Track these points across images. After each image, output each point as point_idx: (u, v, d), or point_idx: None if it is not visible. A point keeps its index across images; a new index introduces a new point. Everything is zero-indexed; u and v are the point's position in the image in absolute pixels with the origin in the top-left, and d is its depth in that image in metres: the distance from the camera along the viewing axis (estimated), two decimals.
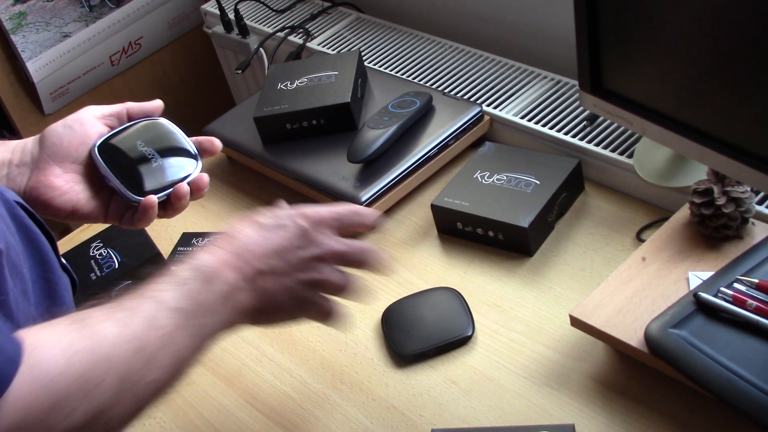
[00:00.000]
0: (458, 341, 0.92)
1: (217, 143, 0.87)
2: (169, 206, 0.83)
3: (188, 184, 0.83)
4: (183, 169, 0.84)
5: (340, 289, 0.76)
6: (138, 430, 0.92)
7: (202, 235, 1.17)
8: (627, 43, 0.81)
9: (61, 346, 0.58)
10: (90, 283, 1.04)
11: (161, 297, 0.65)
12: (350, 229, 0.78)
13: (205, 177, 0.85)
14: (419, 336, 0.93)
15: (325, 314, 0.77)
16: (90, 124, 0.83)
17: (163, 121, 0.87)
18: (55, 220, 0.82)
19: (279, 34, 1.50)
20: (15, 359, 0.55)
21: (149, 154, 0.83)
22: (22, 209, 0.70)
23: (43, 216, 0.81)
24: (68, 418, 0.57)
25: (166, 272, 0.68)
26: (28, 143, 0.83)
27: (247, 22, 1.55)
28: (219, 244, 0.71)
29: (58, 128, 0.82)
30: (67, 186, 0.81)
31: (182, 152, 0.85)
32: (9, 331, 0.57)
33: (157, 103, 0.87)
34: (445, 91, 1.24)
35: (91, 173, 0.83)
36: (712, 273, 0.85)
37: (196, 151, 0.85)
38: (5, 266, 0.63)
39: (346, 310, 0.78)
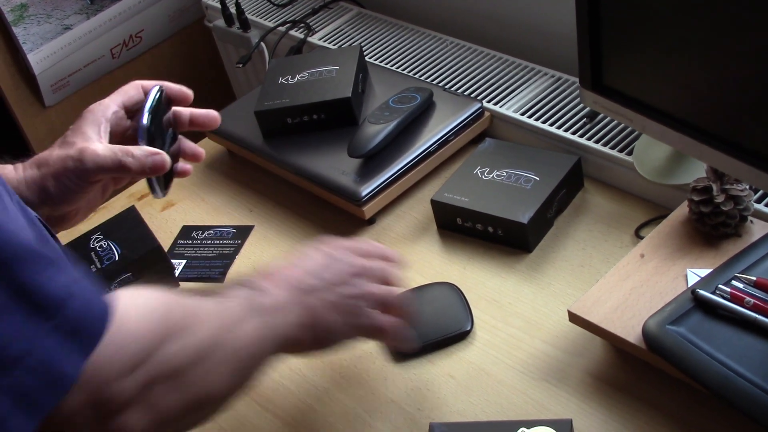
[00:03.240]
0: (457, 336, 0.93)
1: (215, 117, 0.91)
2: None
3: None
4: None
5: (383, 300, 0.81)
6: None
7: (202, 228, 1.17)
8: (628, 41, 0.81)
9: (158, 297, 0.63)
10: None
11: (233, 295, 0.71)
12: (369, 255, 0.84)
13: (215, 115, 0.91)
14: (418, 331, 0.93)
15: (378, 327, 0.81)
16: (91, 157, 0.80)
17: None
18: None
19: (280, 28, 1.50)
20: (105, 314, 0.57)
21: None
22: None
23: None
24: (168, 355, 0.60)
25: (224, 288, 0.74)
26: (23, 192, 0.80)
27: (249, 16, 1.55)
28: (258, 279, 0.76)
29: (61, 180, 0.80)
30: (80, 204, 0.84)
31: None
32: (95, 289, 0.58)
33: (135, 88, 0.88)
34: (446, 87, 1.24)
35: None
36: (710, 270, 0.85)
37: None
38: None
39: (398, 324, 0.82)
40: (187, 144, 0.92)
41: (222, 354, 0.65)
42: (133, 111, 0.86)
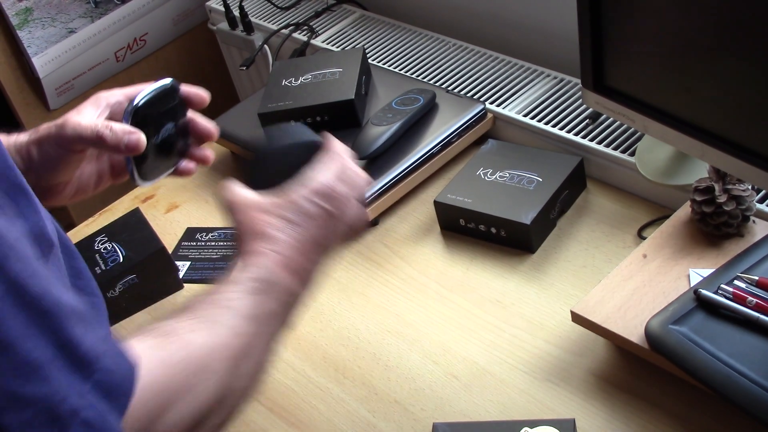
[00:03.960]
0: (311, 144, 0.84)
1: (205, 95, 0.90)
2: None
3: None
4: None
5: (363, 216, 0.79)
6: None
7: (206, 230, 1.18)
8: (629, 41, 0.81)
9: (159, 359, 0.58)
10: (95, 277, 1.04)
11: (235, 305, 0.65)
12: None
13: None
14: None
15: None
16: (72, 125, 0.80)
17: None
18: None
19: (283, 31, 1.51)
20: (132, 374, 0.55)
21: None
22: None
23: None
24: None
25: (230, 278, 0.67)
26: (13, 156, 0.81)
27: (252, 19, 1.56)
28: (267, 247, 0.69)
29: (43, 146, 0.81)
30: (65, 177, 0.84)
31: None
32: (121, 347, 0.56)
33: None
34: (449, 88, 1.24)
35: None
36: (712, 270, 0.85)
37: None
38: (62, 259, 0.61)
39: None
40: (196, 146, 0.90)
41: (237, 393, 0.63)
42: None
